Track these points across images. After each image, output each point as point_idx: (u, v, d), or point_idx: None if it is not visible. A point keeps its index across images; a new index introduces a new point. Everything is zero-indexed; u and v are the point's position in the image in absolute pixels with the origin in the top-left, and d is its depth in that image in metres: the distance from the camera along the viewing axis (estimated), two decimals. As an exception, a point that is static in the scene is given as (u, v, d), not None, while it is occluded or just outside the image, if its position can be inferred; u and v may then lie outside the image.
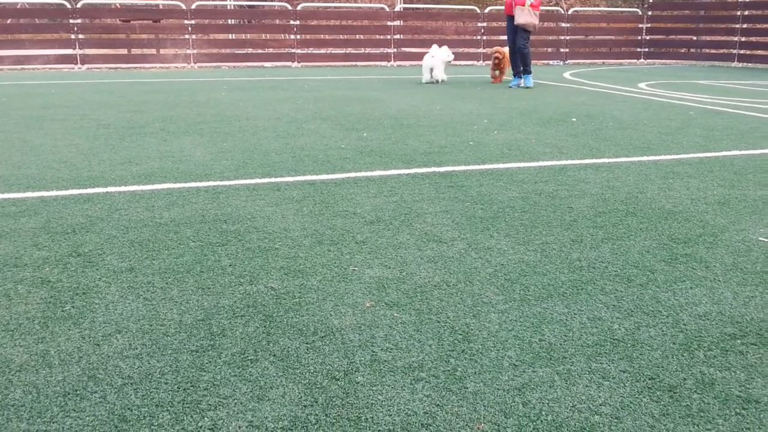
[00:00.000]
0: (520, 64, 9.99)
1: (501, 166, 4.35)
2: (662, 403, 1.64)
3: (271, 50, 16.01)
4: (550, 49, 17.55)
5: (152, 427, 1.54)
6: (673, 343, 1.94)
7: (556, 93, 9.36)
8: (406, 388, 1.71)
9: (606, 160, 4.54)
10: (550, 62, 17.26)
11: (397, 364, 1.83)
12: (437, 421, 1.57)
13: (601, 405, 1.63)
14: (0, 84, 10.68)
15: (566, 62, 17.40)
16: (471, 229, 2.99)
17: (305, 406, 1.63)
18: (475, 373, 1.78)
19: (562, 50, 17.60)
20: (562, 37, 17.59)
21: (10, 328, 2.01)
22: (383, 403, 1.64)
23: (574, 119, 6.55)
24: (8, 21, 14.82)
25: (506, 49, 10.40)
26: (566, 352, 1.89)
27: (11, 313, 2.11)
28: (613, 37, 18.39)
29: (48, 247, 2.72)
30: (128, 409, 1.61)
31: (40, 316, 2.09)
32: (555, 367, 1.81)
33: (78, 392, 1.68)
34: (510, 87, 10.02)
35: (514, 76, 10.17)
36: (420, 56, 16.52)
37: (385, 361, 1.84)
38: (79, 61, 14.62)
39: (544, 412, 1.60)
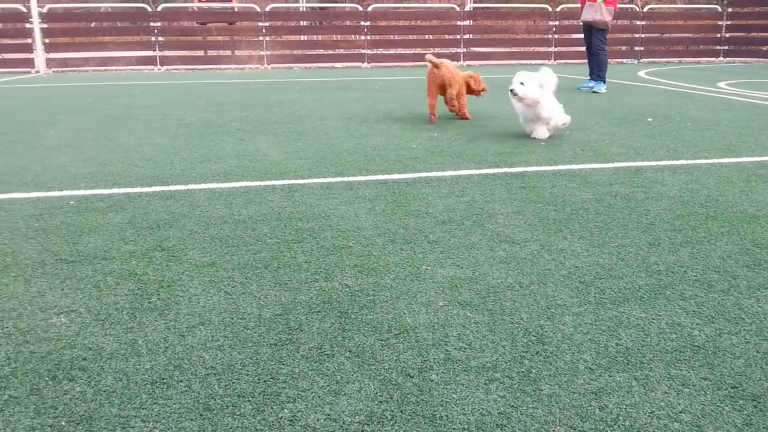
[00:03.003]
0: (594, 66, 9.25)
1: (574, 167, 4.29)
2: (745, 412, 1.60)
3: (341, 51, 16.19)
4: (624, 48, 17.13)
5: (235, 416, 1.60)
6: (757, 352, 1.89)
7: (631, 92, 9.14)
8: (480, 387, 1.72)
9: (684, 162, 4.41)
10: (624, 61, 16.85)
11: (471, 363, 1.84)
12: (512, 422, 1.58)
13: (681, 412, 1.60)
14: (86, 84, 11.18)
15: (640, 61, 16.95)
16: (544, 231, 2.97)
17: (381, 402, 1.66)
18: (550, 375, 1.78)
19: (636, 48, 17.16)
20: (637, 35, 17.14)
21: (100, 317, 2.12)
22: (457, 401, 1.66)
23: (651, 119, 6.39)
24: (92, 24, 15.47)
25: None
26: (644, 358, 1.86)
27: (101, 304, 2.22)
28: (690, 35, 17.81)
29: (134, 241, 2.84)
30: (212, 398, 1.68)
31: (128, 306, 2.20)
32: (632, 372, 1.78)
33: (165, 381, 1.76)
34: (579, 89, 9.41)
35: (590, 77, 9.37)
36: (490, 56, 16.39)
37: (459, 360, 1.86)
38: (158, 63, 15.14)
39: (621, 417, 1.58)
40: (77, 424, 1.58)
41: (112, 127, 6.16)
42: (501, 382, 1.74)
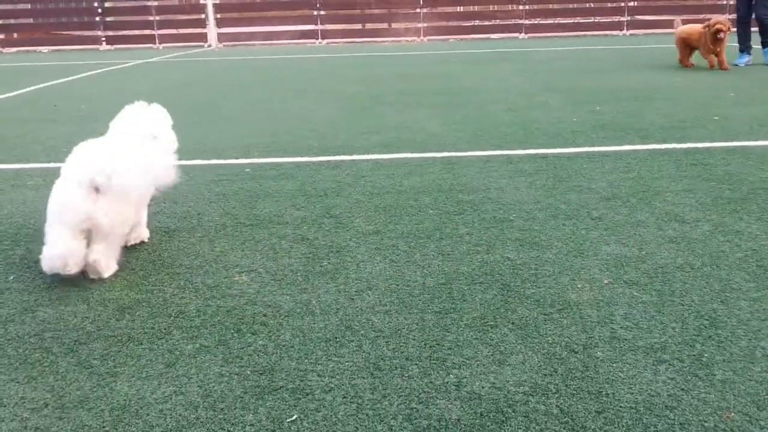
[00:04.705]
0: (748, 36, 8.26)
1: (751, 143, 3.99)
2: None
3: (498, 22, 15.93)
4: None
5: (404, 377, 1.68)
6: None
7: (821, 62, 8.29)
8: (648, 368, 1.69)
9: None
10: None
11: (638, 343, 1.80)
12: (682, 404, 1.54)
13: None
14: (254, 58, 11.82)
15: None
16: (717, 211, 2.81)
17: (545, 375, 1.67)
18: (724, 360, 1.71)
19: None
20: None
21: (277, 277, 2.29)
22: (624, 380, 1.64)
23: (844, 92, 5.79)
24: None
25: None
26: (832, 350, 1.73)
27: (278, 265, 2.39)
28: None
29: (305, 207, 3.02)
30: (381, 359, 1.77)
31: (302, 269, 2.35)
32: (819, 363, 1.68)
33: (338, 339, 1.87)
34: (737, 65, 8.19)
35: (741, 51, 8.35)
36: (656, 24, 15.39)
37: (626, 339, 1.83)
38: (320, 36, 15.68)
39: (805, 410, 1.50)
40: (260, 374, 1.73)
41: (280, 99, 6.50)
42: (670, 364, 1.70)
